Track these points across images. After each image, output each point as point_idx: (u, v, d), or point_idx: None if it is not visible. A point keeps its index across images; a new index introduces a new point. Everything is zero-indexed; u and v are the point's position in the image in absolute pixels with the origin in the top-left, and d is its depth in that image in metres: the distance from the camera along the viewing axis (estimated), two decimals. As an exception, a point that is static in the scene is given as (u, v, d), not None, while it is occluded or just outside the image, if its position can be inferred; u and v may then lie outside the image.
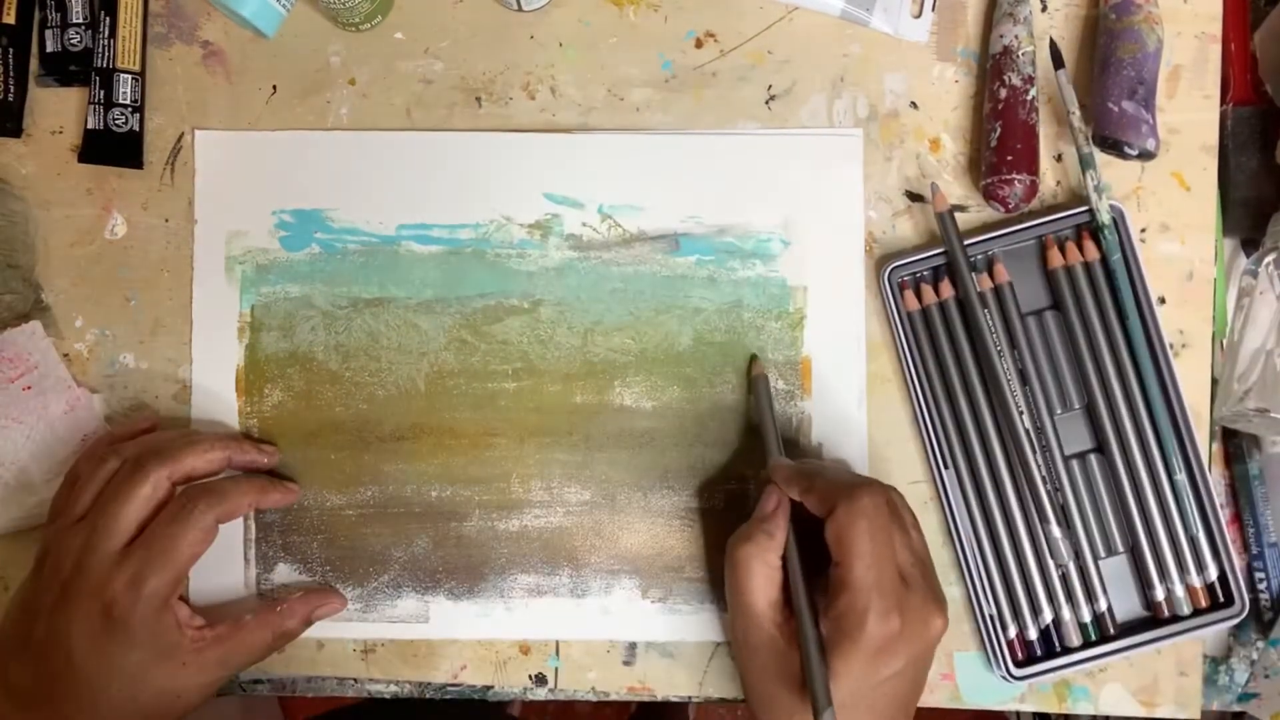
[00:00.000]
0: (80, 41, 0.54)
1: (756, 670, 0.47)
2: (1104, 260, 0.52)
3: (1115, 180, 0.54)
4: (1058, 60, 0.52)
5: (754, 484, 0.53)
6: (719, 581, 0.53)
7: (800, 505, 0.48)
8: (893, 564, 0.44)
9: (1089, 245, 0.52)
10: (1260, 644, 0.54)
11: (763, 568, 0.47)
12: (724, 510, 0.53)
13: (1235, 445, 0.55)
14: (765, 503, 0.49)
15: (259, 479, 0.52)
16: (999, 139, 0.51)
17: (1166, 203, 0.54)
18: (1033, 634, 0.52)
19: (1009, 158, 0.51)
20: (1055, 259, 0.52)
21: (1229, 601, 0.52)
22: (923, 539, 0.48)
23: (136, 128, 0.53)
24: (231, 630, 0.49)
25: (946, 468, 0.52)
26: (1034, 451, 0.51)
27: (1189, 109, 0.54)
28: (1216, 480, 0.55)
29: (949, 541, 0.53)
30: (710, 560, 0.53)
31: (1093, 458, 0.52)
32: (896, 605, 0.43)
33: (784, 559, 0.47)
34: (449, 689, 0.54)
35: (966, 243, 0.52)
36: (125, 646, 0.46)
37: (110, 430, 0.52)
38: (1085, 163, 0.51)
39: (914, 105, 0.54)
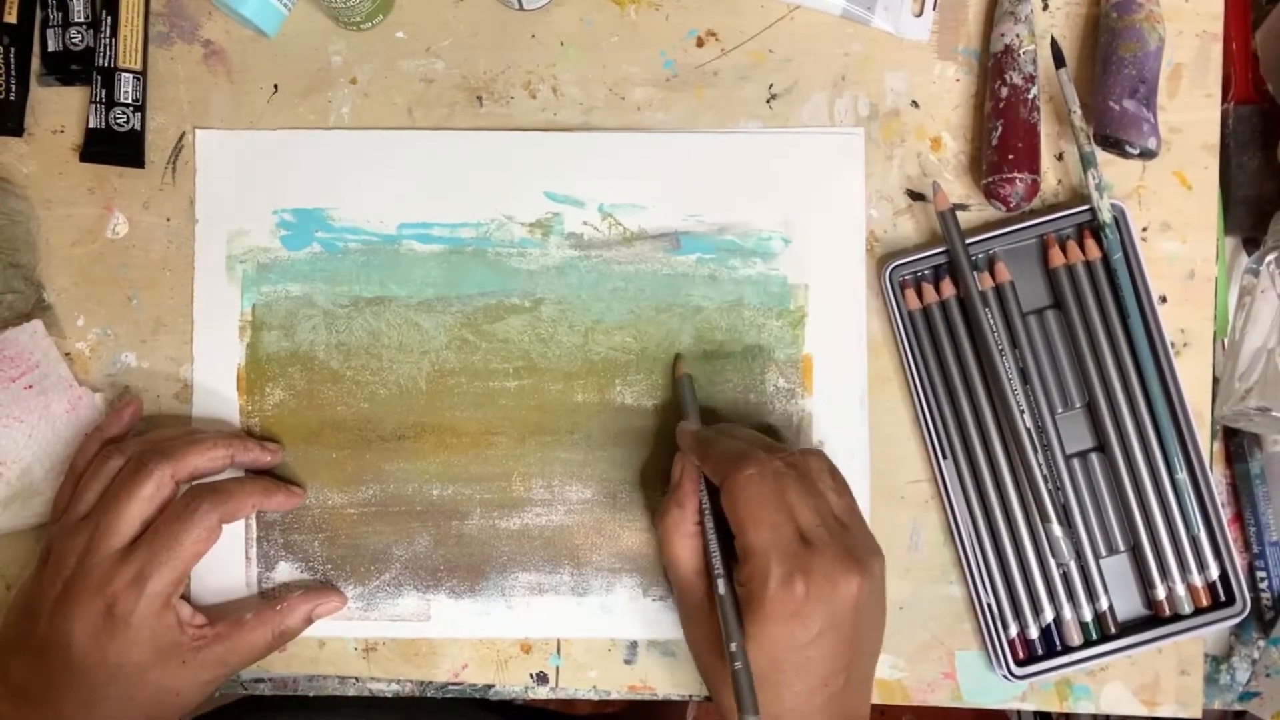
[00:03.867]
0: (82, 41, 0.54)
1: (694, 640, 0.48)
2: (1105, 259, 0.52)
3: (1116, 179, 0.54)
4: (1059, 59, 0.52)
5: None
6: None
7: None
8: (790, 528, 0.44)
9: (1090, 244, 0.52)
10: (1261, 643, 0.54)
11: (681, 538, 0.48)
12: (725, 509, 0.53)
13: (1236, 444, 0.55)
14: (674, 472, 0.49)
15: (264, 480, 0.52)
16: (1000, 138, 0.51)
17: (1168, 201, 0.54)
18: (1034, 633, 0.52)
19: (1010, 156, 0.51)
20: (1056, 258, 0.52)
21: (1230, 600, 0.52)
22: (845, 499, 0.46)
23: (138, 127, 0.53)
24: (231, 629, 0.49)
25: (947, 465, 0.52)
26: (1035, 450, 0.51)
27: (1190, 108, 0.54)
28: (1218, 479, 0.55)
29: (950, 540, 0.53)
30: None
31: (1094, 456, 0.52)
32: (799, 568, 0.43)
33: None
34: (450, 688, 0.54)
35: (968, 241, 0.52)
36: (126, 645, 0.46)
37: (99, 423, 0.52)
38: (1086, 161, 0.51)
39: (915, 104, 0.54)
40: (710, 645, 0.46)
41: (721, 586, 0.45)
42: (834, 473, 0.47)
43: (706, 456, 0.48)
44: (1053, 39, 0.53)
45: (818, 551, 0.43)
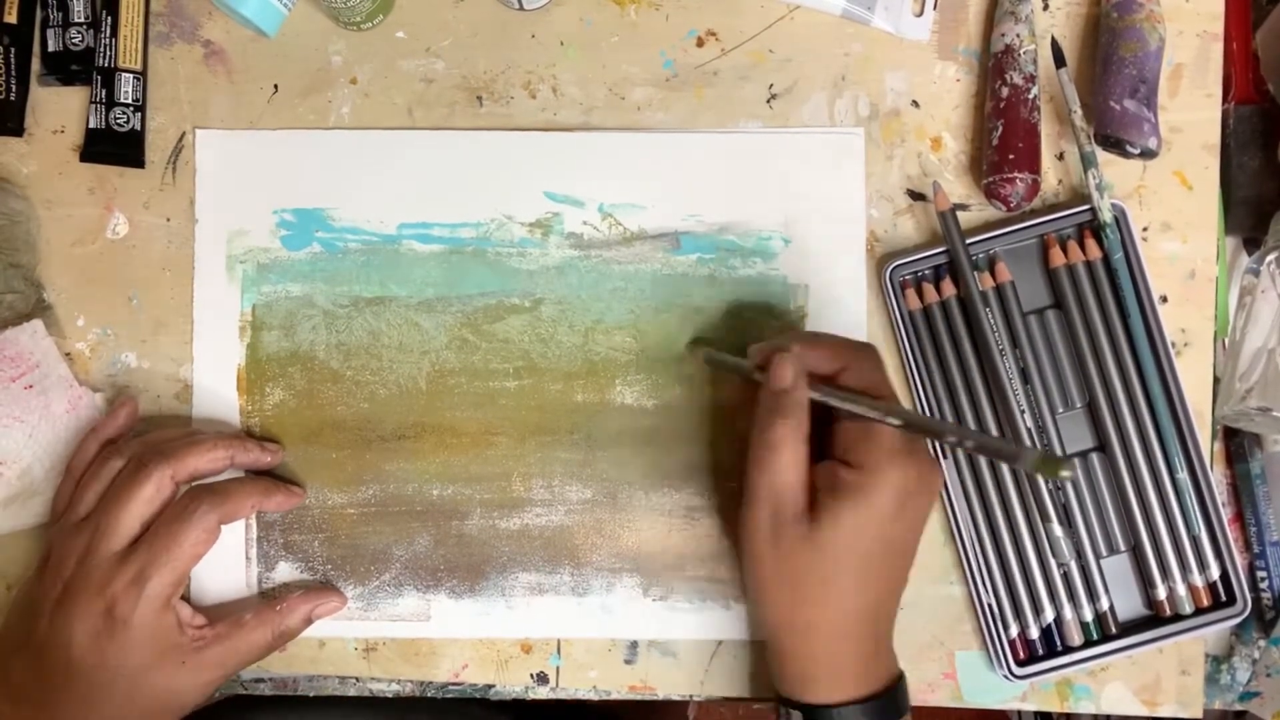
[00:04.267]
0: (82, 41, 0.54)
1: (782, 556, 0.45)
2: (1106, 259, 0.52)
3: (1117, 179, 0.54)
4: (1059, 59, 0.52)
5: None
6: (720, 580, 0.53)
7: None
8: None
9: (1091, 244, 0.52)
10: (1262, 643, 0.54)
11: (797, 444, 0.45)
12: (725, 509, 0.53)
13: (1237, 444, 0.55)
14: (780, 373, 0.46)
15: (263, 481, 0.52)
16: (1000, 138, 0.51)
17: (1168, 201, 0.54)
18: (1034, 633, 0.52)
19: (1011, 156, 0.51)
20: (1057, 258, 0.52)
21: (1231, 600, 0.52)
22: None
23: (138, 127, 0.53)
24: (231, 629, 0.49)
25: (947, 464, 0.52)
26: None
27: (1191, 108, 0.54)
28: (1218, 479, 0.55)
29: (950, 540, 0.53)
30: (711, 559, 0.53)
31: (1094, 456, 0.52)
32: (918, 451, 0.45)
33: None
34: (450, 688, 0.54)
35: (968, 241, 0.52)
36: (126, 646, 0.46)
37: (96, 424, 0.52)
38: (1087, 161, 0.51)
39: (915, 104, 0.54)
40: (802, 566, 0.45)
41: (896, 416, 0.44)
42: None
43: (818, 343, 0.47)
44: (1053, 39, 0.53)
45: (919, 442, 0.46)
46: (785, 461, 0.45)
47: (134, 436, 0.52)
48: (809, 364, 0.46)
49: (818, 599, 0.45)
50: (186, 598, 0.50)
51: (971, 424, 0.52)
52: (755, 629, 0.53)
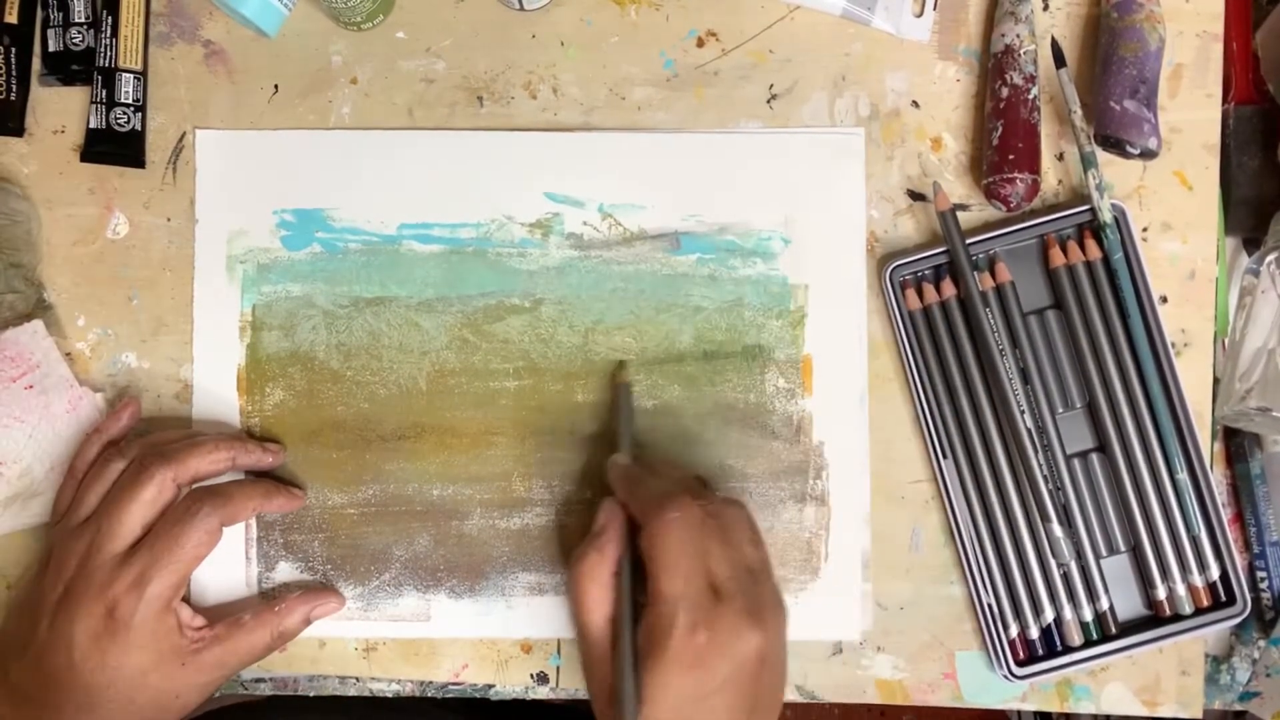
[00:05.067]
0: (82, 41, 0.54)
1: (595, 691, 0.46)
2: (1105, 259, 0.52)
3: (1117, 179, 0.54)
4: (1059, 59, 0.52)
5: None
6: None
7: None
8: (702, 578, 0.43)
9: (1091, 244, 0.52)
10: (1262, 643, 0.54)
11: (595, 586, 0.46)
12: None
13: (1237, 444, 0.55)
14: (599, 516, 0.48)
15: (265, 483, 0.52)
16: (1000, 138, 0.51)
17: (1168, 202, 0.54)
18: (1034, 633, 0.52)
19: (1011, 157, 0.51)
20: (1057, 258, 0.52)
21: (1231, 600, 0.52)
22: (760, 553, 0.46)
23: (138, 127, 0.54)
24: (230, 630, 0.49)
25: (947, 465, 0.52)
26: (1035, 450, 0.51)
27: (1191, 108, 0.54)
28: (1218, 479, 0.55)
29: (950, 540, 0.53)
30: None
31: (1094, 457, 0.52)
32: (704, 619, 0.42)
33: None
34: (450, 688, 0.54)
35: (968, 242, 0.52)
36: (126, 648, 0.46)
37: (98, 425, 0.52)
38: (1087, 162, 0.51)
39: (915, 104, 0.54)
40: (608, 696, 0.45)
41: (627, 640, 0.43)
42: (752, 525, 0.47)
43: (633, 495, 0.47)
44: (1053, 39, 0.53)
45: (725, 604, 0.43)
46: (585, 600, 0.45)
47: (135, 437, 0.52)
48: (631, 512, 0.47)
49: None
50: (186, 598, 0.50)
51: (973, 426, 0.52)
52: None
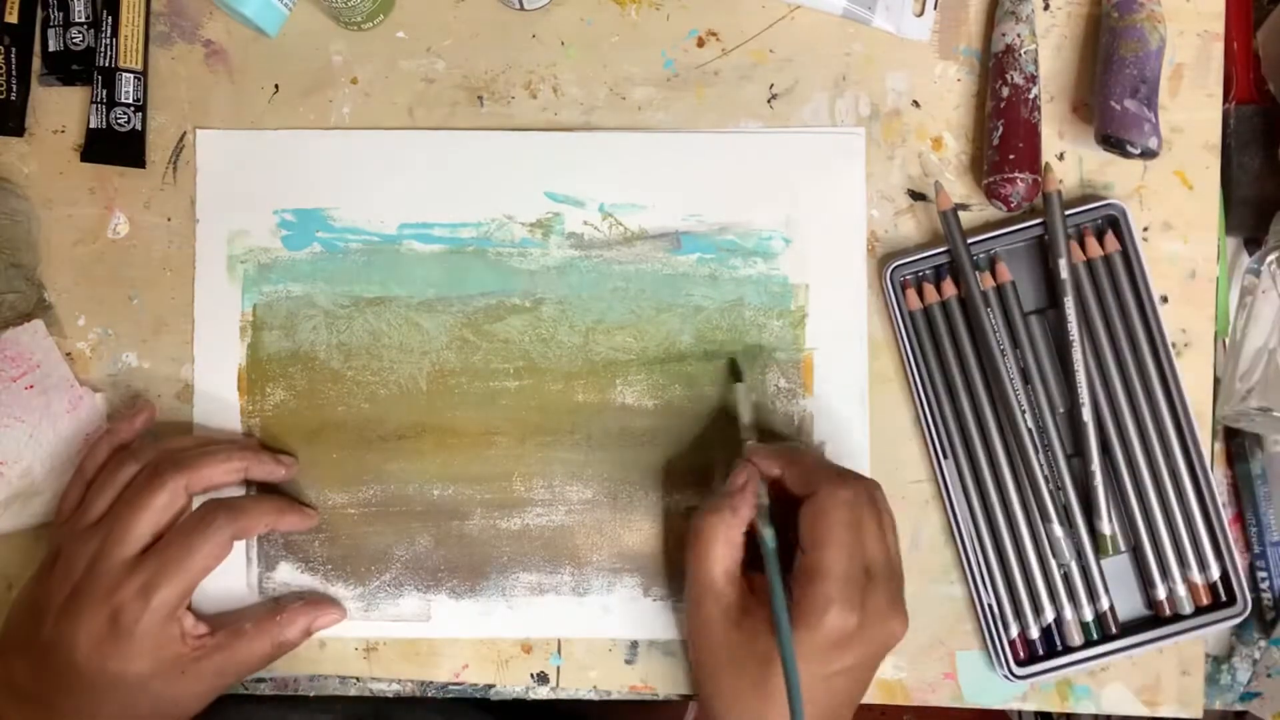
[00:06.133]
0: (83, 40, 0.54)
1: (706, 647, 0.46)
2: (1106, 259, 0.52)
3: (1117, 179, 0.54)
4: (736, 376, 0.52)
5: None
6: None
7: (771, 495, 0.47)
8: (863, 559, 0.44)
9: (1091, 243, 0.52)
10: (1262, 643, 0.54)
11: (723, 543, 0.46)
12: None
13: (1237, 444, 0.55)
14: (735, 478, 0.48)
15: (278, 500, 0.52)
16: (1001, 137, 0.51)
17: (1169, 201, 0.54)
18: (1035, 633, 0.52)
19: (1011, 156, 0.51)
20: (1057, 258, 0.52)
21: (1231, 600, 0.52)
22: (897, 544, 0.47)
23: (139, 127, 0.53)
24: (231, 639, 0.49)
25: (948, 464, 0.52)
26: (1036, 450, 0.51)
27: (1191, 107, 0.54)
28: (1218, 479, 0.55)
29: (950, 540, 0.53)
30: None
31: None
32: (860, 601, 0.43)
33: (747, 540, 0.47)
34: (451, 688, 0.54)
35: (969, 241, 0.52)
36: (128, 654, 0.46)
37: (111, 427, 0.52)
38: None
39: (916, 104, 0.54)
40: (723, 654, 0.45)
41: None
42: (890, 512, 0.48)
43: (795, 464, 0.47)
44: (731, 360, 0.53)
45: (876, 589, 0.44)
46: (709, 554, 0.46)
47: (148, 440, 0.52)
48: (765, 472, 0.48)
49: (736, 704, 0.44)
50: (189, 606, 0.50)
51: (973, 425, 0.52)
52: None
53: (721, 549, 0.46)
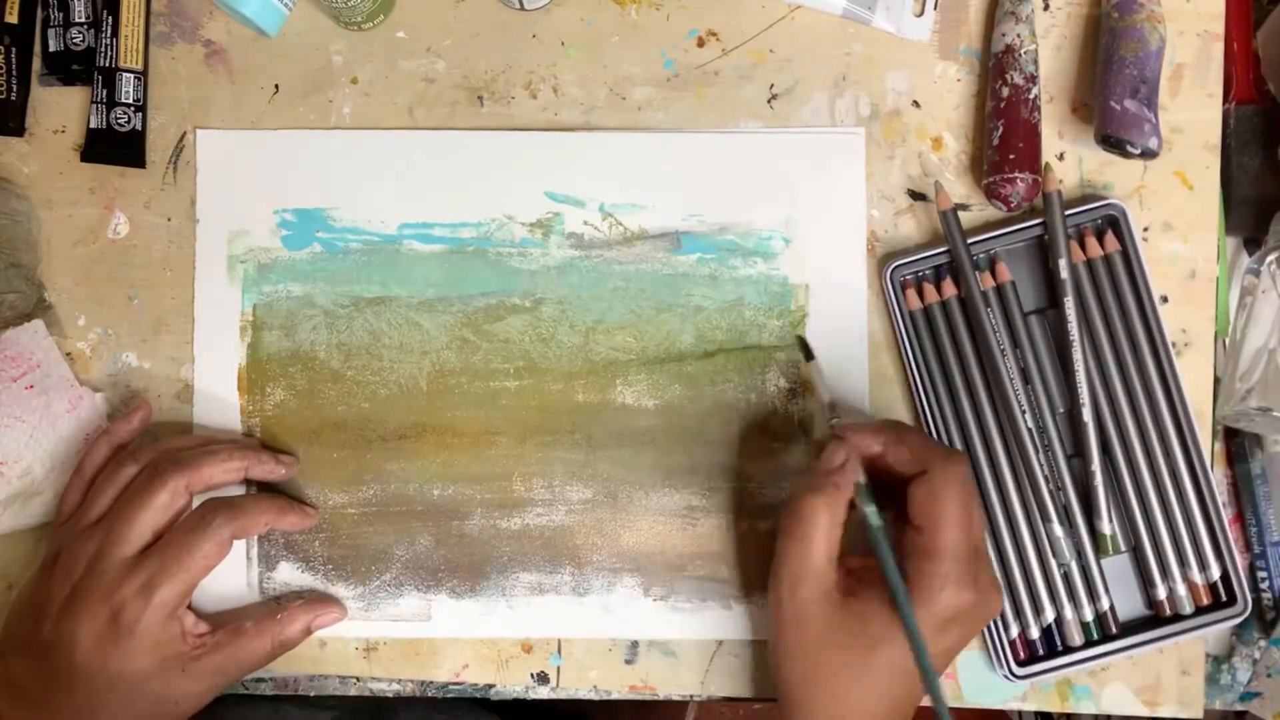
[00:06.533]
0: (83, 40, 0.54)
1: (804, 629, 0.45)
2: (1106, 259, 0.52)
3: (1117, 179, 0.54)
4: (808, 354, 0.51)
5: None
6: (721, 580, 0.53)
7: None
8: (972, 538, 0.44)
9: (1091, 243, 0.52)
10: (1263, 643, 0.54)
11: (829, 521, 0.45)
12: (726, 509, 0.53)
13: (1237, 444, 0.55)
14: (832, 455, 0.46)
15: (279, 499, 0.52)
16: (1001, 137, 0.51)
17: (1169, 202, 0.54)
18: (1035, 633, 0.52)
19: (1011, 156, 0.51)
20: (1057, 258, 0.52)
21: (1231, 600, 0.52)
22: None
23: (139, 127, 0.54)
24: (231, 638, 0.49)
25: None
26: (1036, 450, 0.51)
27: (1191, 108, 0.54)
28: (1219, 479, 0.55)
29: (951, 540, 0.53)
30: (712, 559, 0.53)
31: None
32: (973, 579, 0.44)
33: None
34: (451, 688, 0.54)
35: (969, 241, 0.52)
36: (129, 653, 0.46)
37: (109, 427, 0.52)
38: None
39: (916, 104, 0.54)
40: (826, 637, 0.45)
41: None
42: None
43: (903, 442, 0.46)
44: (800, 338, 0.52)
45: (985, 566, 0.45)
46: (812, 535, 0.45)
47: (147, 440, 0.52)
48: (865, 450, 0.47)
49: (837, 686, 0.44)
50: (190, 605, 0.50)
51: (973, 425, 0.52)
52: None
53: (826, 529, 0.45)
